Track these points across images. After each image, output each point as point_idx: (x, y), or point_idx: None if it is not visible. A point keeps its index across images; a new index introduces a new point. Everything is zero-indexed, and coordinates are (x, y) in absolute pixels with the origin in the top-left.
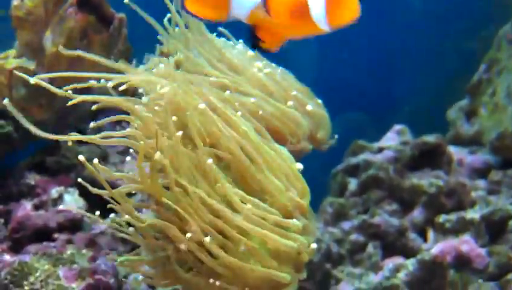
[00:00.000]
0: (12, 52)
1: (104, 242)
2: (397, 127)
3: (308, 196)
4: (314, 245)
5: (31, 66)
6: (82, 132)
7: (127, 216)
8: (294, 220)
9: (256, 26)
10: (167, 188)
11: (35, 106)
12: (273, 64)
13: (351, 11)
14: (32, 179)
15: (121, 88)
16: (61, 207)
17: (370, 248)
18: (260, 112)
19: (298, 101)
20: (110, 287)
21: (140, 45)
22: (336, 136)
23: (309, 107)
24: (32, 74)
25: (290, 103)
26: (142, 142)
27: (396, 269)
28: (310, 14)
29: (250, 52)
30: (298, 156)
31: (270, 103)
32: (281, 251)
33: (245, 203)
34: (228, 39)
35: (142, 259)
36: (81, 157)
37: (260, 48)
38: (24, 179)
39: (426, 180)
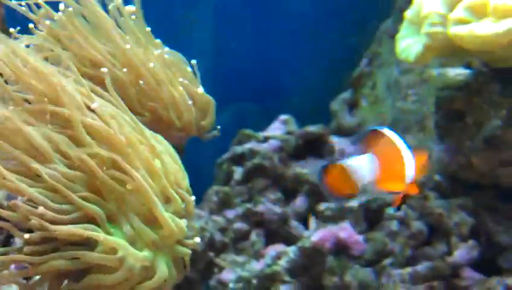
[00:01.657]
0: None
1: None
2: (282, 117)
3: (186, 177)
4: (197, 239)
5: None
6: None
7: None
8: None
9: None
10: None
11: None
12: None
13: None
14: None
15: None
16: None
17: (253, 236)
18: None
19: (184, 86)
20: None
21: None
22: (219, 127)
23: (200, 90)
24: None
25: (174, 89)
26: None
27: (278, 257)
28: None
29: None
30: (181, 143)
31: (157, 86)
32: (157, 240)
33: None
34: None
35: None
36: None
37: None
38: None
39: (309, 169)
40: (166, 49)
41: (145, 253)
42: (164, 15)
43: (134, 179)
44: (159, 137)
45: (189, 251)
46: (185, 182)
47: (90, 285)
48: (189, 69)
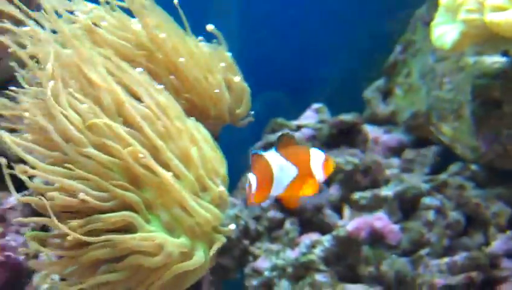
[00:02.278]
0: None
1: (13, 218)
2: (315, 105)
3: (225, 165)
4: (233, 226)
5: None
6: None
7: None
8: (211, 189)
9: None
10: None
11: None
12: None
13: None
14: None
15: None
16: None
17: (287, 225)
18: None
19: (222, 74)
20: (19, 264)
21: None
22: (252, 112)
23: (237, 78)
24: None
25: (210, 77)
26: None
27: (313, 245)
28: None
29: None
30: (216, 130)
31: (193, 76)
32: (195, 228)
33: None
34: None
35: (50, 235)
36: None
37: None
38: None
39: (343, 158)
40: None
41: (183, 239)
42: (195, 3)
43: (160, 176)
44: (199, 125)
45: (224, 239)
46: (223, 170)
47: (131, 265)
48: (228, 55)
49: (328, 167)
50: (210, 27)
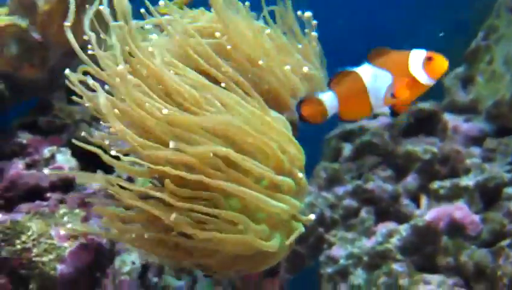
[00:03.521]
0: (4, 10)
1: (96, 202)
2: None
3: (303, 155)
4: (312, 216)
5: (24, 24)
6: (74, 92)
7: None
8: (287, 178)
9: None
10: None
11: (27, 64)
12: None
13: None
14: (24, 138)
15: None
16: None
17: (363, 213)
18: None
19: (298, 63)
20: (102, 247)
21: None
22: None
23: (305, 69)
24: (25, 32)
25: (287, 67)
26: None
27: (389, 234)
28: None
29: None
30: (294, 120)
31: (271, 68)
32: (273, 216)
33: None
34: None
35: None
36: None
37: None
38: (16, 138)
39: (421, 146)
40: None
41: (263, 226)
42: None
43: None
44: (280, 117)
45: (303, 228)
46: (301, 160)
47: (210, 239)
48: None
49: (434, 67)
50: (308, 14)
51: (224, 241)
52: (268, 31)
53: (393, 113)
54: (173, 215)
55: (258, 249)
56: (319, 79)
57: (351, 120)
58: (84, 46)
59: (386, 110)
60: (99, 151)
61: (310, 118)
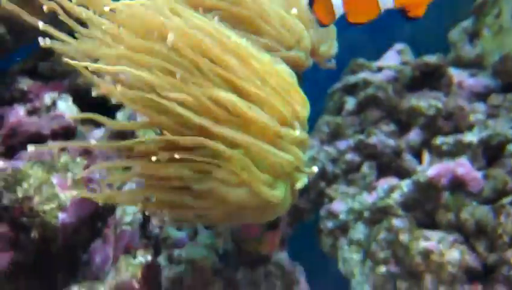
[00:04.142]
0: None
1: (98, 151)
2: (398, 46)
3: (307, 107)
4: (315, 168)
5: None
6: (75, 35)
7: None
8: (291, 130)
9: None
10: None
11: (28, 8)
12: None
13: None
14: (25, 84)
15: None
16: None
17: (365, 168)
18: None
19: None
20: None
21: None
22: (334, 60)
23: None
24: None
25: (294, 10)
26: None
27: (391, 190)
28: None
29: None
30: (298, 69)
31: (273, 13)
32: (276, 166)
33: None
34: None
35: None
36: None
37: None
38: (16, 84)
39: (425, 101)
40: None
41: (266, 176)
42: None
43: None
44: (286, 68)
45: (306, 180)
46: (304, 111)
47: (212, 191)
48: None
49: None
50: None
51: (228, 190)
52: None
53: (408, 17)
54: (153, 158)
55: (262, 199)
56: (329, 29)
57: (358, 23)
58: None
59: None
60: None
61: (319, 18)
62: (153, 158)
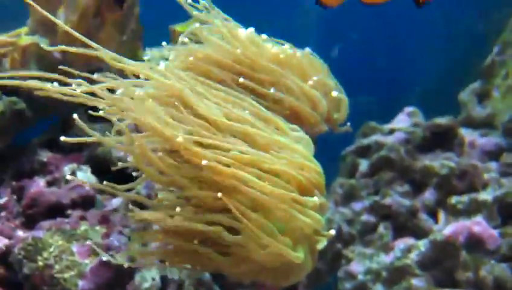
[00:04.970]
0: (24, 29)
1: (116, 219)
2: (408, 109)
3: (323, 177)
4: (333, 231)
5: (44, 43)
6: (94, 110)
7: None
8: (311, 198)
9: None
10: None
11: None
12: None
13: None
14: (45, 156)
15: None
16: (74, 179)
17: (381, 229)
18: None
19: (319, 81)
20: (121, 263)
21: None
22: (349, 124)
23: (334, 93)
24: (45, 51)
25: (310, 82)
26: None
27: (408, 250)
28: None
29: (263, 36)
30: (314, 135)
31: (291, 82)
32: (296, 230)
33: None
34: None
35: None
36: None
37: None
38: (36, 156)
39: (438, 161)
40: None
41: (287, 239)
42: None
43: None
44: (301, 134)
45: (325, 242)
46: (321, 181)
47: (239, 246)
48: (322, 63)
49: None
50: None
51: (251, 248)
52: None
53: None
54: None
55: (284, 261)
56: (340, 98)
57: (372, 3)
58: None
59: None
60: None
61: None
62: (177, 209)
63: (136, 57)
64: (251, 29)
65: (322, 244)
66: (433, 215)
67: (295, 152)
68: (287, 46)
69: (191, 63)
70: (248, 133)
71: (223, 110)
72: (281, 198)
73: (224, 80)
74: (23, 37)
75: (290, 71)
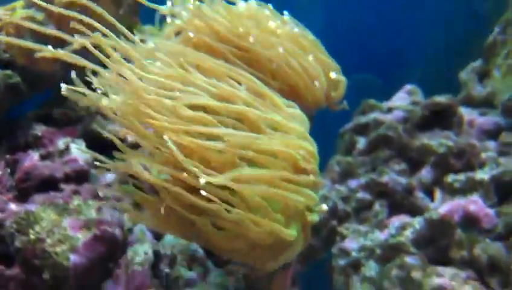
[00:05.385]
0: (20, 3)
1: (110, 194)
2: (408, 87)
3: (317, 155)
4: (325, 206)
5: (40, 16)
6: (90, 83)
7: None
8: (305, 175)
9: None
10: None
11: (43, 57)
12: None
13: None
14: (39, 130)
15: None
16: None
17: (376, 206)
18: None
19: (316, 57)
20: (115, 237)
21: None
22: (345, 102)
23: (333, 75)
24: (41, 24)
25: (310, 57)
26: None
27: (403, 227)
28: None
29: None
30: (312, 111)
31: (290, 57)
32: (290, 207)
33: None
34: None
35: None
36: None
37: None
38: (31, 130)
39: (436, 140)
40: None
41: (279, 216)
42: None
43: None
44: (296, 111)
45: (317, 218)
46: (315, 159)
47: (236, 221)
48: (320, 46)
49: None
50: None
51: (247, 224)
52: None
53: None
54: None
55: (276, 238)
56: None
57: None
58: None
59: None
60: (117, 141)
61: None
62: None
63: (132, 32)
64: (252, 2)
65: (314, 217)
66: (430, 193)
67: (290, 130)
68: (287, 18)
69: (189, 37)
70: (243, 113)
71: (219, 87)
72: (275, 177)
73: (224, 53)
74: (18, 10)
75: (288, 45)
